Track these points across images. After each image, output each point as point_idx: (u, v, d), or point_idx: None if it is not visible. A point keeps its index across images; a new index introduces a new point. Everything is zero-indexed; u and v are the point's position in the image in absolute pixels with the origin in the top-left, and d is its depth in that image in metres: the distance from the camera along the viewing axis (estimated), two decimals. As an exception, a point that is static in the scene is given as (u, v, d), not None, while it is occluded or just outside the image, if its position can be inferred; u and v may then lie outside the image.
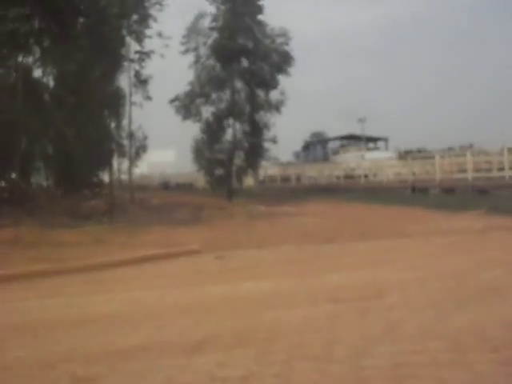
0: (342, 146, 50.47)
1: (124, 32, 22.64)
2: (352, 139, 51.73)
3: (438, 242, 10.33)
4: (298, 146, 64.97)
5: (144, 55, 24.36)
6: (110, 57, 19.92)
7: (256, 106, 28.55)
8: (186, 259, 9.08)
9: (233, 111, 28.17)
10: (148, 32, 23.78)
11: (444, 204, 18.08)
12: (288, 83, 29.47)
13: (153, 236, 12.04)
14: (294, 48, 29.36)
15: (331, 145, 53.19)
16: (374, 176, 30.83)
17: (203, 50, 29.11)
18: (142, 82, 24.91)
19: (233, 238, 11.45)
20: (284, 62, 28.98)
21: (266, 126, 28.79)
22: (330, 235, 11.43)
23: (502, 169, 24.50)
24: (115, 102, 23.22)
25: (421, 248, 9.55)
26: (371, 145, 51.73)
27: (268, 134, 28.88)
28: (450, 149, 36.21)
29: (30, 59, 19.23)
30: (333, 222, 14.50)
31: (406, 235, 11.33)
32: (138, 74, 24.88)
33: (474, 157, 24.79)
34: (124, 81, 24.99)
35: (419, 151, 45.04)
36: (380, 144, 52.71)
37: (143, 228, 13.62)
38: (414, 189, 24.73)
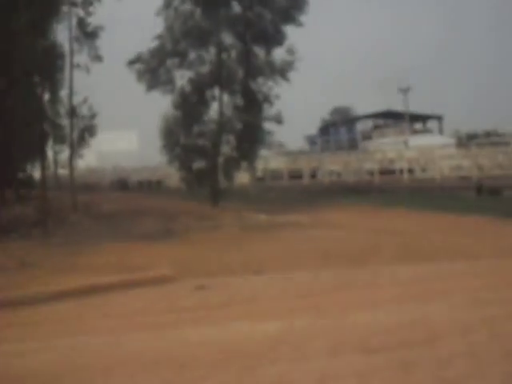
0: (377, 127, 50.54)
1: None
2: (390, 117, 51.79)
3: (515, 265, 10.19)
4: (314, 128, 64.95)
5: (92, -4, 24.36)
6: (43, -2, 19.90)
7: (253, 69, 28.51)
8: (153, 289, 9.20)
9: (220, 77, 28.14)
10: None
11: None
12: (299, 37, 29.41)
13: (104, 256, 12.29)
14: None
15: (361, 126, 53.26)
16: (423, 171, 30.85)
17: (177, -11, 29.11)
18: (88, 34, 24.85)
19: (220, 260, 11.71)
20: (293, 6, 28.98)
21: (268, 99, 28.73)
22: (359, 255, 11.71)
23: None
24: (49, 64, 23.21)
25: (490, 274, 9.58)
26: (418, 126, 51.85)
27: (270, 111, 28.83)
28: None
29: None
30: (364, 237, 14.63)
31: (469, 256, 11.48)
32: (82, 24, 24.85)
33: None
34: (63, 33, 24.95)
35: (488, 135, 45.11)
36: (431, 124, 52.81)
37: (90, 245, 13.95)
38: (480, 189, 24.79)
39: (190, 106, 27.62)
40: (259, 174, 39.24)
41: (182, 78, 28.55)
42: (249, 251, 12.94)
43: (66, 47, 24.95)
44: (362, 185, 31.44)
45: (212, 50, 28.48)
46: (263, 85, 28.81)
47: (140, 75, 28.30)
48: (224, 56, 28.49)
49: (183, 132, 27.98)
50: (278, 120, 28.75)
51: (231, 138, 28.46)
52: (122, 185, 49.31)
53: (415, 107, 50.87)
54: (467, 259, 11.17)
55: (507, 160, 26.73)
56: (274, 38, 28.44)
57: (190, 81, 28.45)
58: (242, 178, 35.06)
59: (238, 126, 28.33)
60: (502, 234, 14.28)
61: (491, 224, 16.51)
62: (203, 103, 28.18)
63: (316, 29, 39.67)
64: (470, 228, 16.07)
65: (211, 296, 8.61)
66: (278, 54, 28.71)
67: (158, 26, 28.73)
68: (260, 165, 38.18)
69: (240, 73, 28.74)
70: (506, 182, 24.42)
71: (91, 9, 24.32)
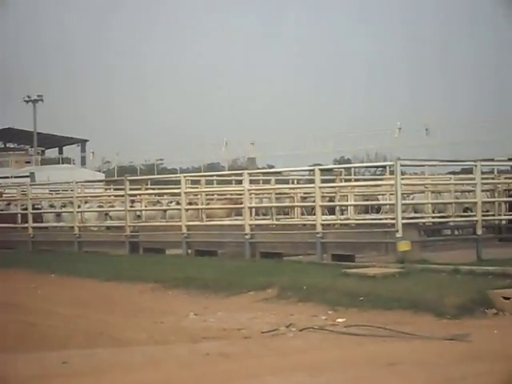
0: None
1: None
2: (14, 139, 47.65)
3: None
4: None
5: None
6: None
7: None
8: None
9: None
10: None
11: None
12: None
13: None
14: None
15: None
16: (58, 217, 27.68)
17: None
18: None
19: None
20: None
21: None
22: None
23: None
24: None
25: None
26: (52, 152, 48.19)
27: None
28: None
29: None
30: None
31: (123, 342, 10.32)
32: None
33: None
34: None
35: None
36: (73, 152, 49.58)
37: None
38: (136, 246, 22.81)
39: None
40: None
41: None
42: None
43: None
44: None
45: None
46: None
47: None
48: None
49: None
50: None
51: None
52: None
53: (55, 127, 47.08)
54: (117, 346, 9.98)
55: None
56: None
57: None
58: None
59: None
60: (161, 310, 13.20)
61: (152, 293, 15.43)
62: None
63: None
64: (119, 300, 14.83)
65: None
66: None
67: None
68: None
69: None
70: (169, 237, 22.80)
71: None
